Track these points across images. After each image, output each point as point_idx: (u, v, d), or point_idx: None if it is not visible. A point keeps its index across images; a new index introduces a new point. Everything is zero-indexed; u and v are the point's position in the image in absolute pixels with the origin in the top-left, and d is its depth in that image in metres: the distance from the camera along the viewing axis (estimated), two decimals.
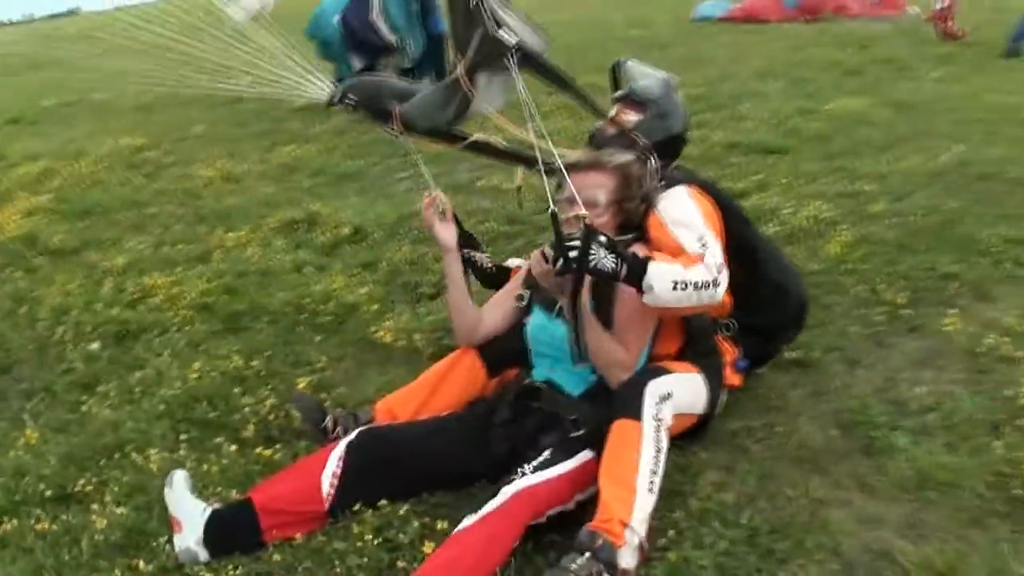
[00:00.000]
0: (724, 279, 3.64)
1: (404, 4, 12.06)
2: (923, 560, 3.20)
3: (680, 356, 3.97)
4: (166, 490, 3.64)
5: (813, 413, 4.22)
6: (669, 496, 3.52)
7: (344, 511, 3.59)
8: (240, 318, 5.75)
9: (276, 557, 3.44)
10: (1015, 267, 5.57)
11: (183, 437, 4.33)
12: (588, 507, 3.41)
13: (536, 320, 4.02)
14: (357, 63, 12.03)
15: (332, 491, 3.56)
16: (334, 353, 5.22)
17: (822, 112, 10.52)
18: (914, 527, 3.42)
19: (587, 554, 3.13)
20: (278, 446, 4.18)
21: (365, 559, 3.39)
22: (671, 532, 3.43)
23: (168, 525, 3.60)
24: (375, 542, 3.45)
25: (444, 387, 4.13)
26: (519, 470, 3.47)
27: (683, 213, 3.86)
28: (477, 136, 4.15)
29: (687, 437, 3.87)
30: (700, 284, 3.55)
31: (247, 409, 4.50)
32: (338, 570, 3.38)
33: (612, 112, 4.28)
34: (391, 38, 11.98)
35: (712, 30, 19.42)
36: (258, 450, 4.13)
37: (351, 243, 7.21)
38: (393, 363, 5.06)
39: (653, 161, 4.03)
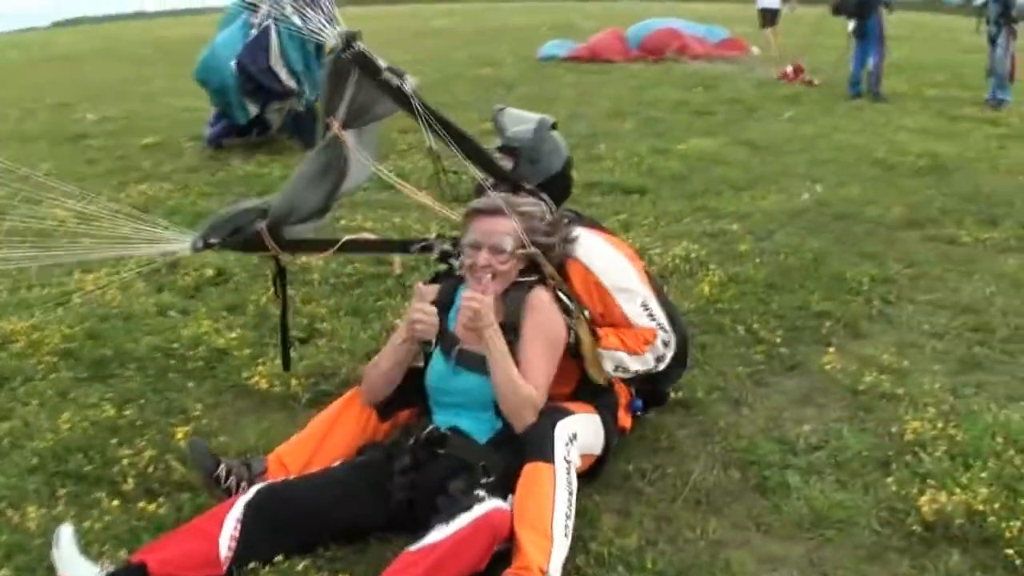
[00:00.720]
0: (671, 352, 4.08)
1: (301, 46, 11.37)
2: None
3: (574, 396, 3.99)
4: (53, 550, 3.39)
5: (703, 454, 4.26)
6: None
7: (241, 570, 3.44)
8: (107, 364, 5.48)
9: None
10: (884, 305, 5.80)
11: (60, 492, 4.08)
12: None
13: (437, 368, 3.95)
14: (253, 108, 11.52)
15: (231, 554, 3.39)
16: (208, 400, 5.02)
17: (676, 152, 10.81)
18: (814, 565, 3.48)
19: None
20: (161, 499, 3.98)
21: None
22: None
23: None
24: None
25: (334, 434, 3.98)
26: (476, 494, 3.39)
27: (620, 275, 4.05)
28: (347, 237, 4.19)
29: (581, 478, 3.83)
30: (640, 372, 4.06)
31: (125, 461, 4.27)
32: None
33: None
34: (291, 84, 11.44)
35: (558, 70, 19.81)
36: (141, 504, 3.92)
37: (215, 285, 6.99)
38: (270, 409, 4.91)
39: (551, 205, 4.04)
